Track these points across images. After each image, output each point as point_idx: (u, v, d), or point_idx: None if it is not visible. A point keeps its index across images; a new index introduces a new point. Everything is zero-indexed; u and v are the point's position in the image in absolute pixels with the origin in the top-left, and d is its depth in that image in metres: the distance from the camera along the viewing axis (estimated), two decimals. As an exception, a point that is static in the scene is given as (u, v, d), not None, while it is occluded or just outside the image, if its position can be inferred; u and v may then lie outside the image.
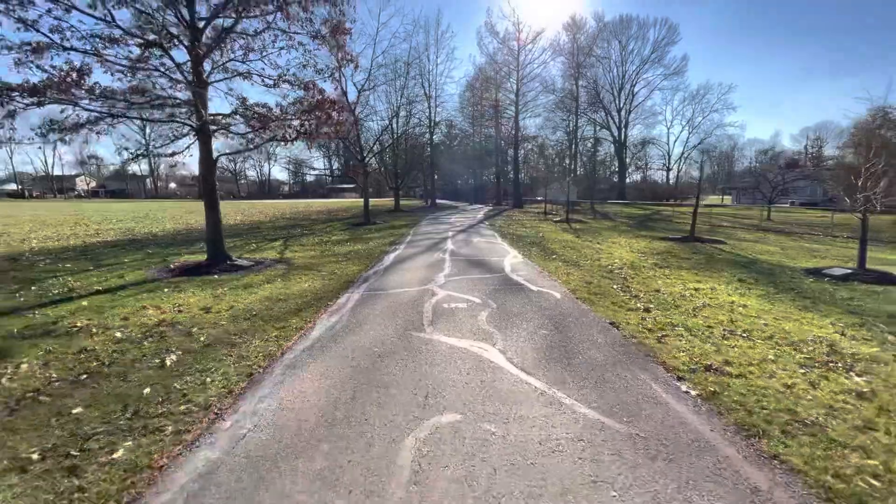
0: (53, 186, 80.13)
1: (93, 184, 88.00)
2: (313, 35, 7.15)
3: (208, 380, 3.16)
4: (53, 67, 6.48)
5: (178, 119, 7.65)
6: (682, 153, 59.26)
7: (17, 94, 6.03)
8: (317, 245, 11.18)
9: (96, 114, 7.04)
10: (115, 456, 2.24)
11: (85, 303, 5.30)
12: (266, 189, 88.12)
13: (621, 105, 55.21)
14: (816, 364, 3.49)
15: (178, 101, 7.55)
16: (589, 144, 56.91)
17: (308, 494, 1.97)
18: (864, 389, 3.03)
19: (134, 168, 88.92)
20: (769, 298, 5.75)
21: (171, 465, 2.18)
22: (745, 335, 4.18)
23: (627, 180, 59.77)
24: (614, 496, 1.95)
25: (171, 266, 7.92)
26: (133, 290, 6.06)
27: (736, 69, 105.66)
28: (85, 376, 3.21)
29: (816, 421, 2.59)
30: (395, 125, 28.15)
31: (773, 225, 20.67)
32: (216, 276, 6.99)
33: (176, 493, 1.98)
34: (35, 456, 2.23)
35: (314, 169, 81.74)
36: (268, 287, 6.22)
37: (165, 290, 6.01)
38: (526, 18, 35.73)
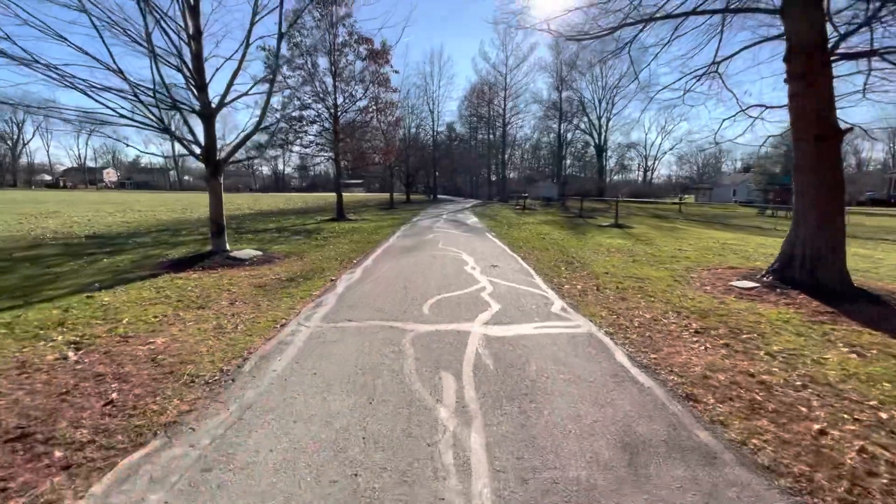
0: (86, 178, 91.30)
1: (116, 176, 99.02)
2: (388, 123, 17.83)
3: (381, 234, 13.81)
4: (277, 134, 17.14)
5: (323, 154, 18.34)
6: (656, 156, 69.87)
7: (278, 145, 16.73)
8: (372, 215, 21.85)
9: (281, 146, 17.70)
10: (379, 236, 12.92)
11: (313, 225, 15.95)
12: (280, 184, 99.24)
13: (601, 113, 65.56)
14: (538, 236, 14.09)
15: (324, 145, 18.25)
16: (578, 146, 67.28)
17: (423, 231, 12.61)
18: (530, 226, 13.70)
19: (158, 162, 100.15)
20: (560, 230, 16.32)
21: (393, 232, 12.87)
22: (527, 231, 14.79)
23: (617, 178, 70.69)
24: (465, 237, 12.60)
25: (319, 220, 18.58)
26: (320, 223, 16.68)
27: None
28: (341, 236, 13.87)
29: (527, 241, 13.22)
30: (408, 138, 38.77)
31: (672, 214, 31.19)
32: (343, 221, 17.63)
33: (394, 237, 12.65)
34: (346, 245, 12.94)
35: (319, 164, 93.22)
36: (371, 224, 16.87)
37: (332, 223, 16.67)
38: (514, 47, 46.11)
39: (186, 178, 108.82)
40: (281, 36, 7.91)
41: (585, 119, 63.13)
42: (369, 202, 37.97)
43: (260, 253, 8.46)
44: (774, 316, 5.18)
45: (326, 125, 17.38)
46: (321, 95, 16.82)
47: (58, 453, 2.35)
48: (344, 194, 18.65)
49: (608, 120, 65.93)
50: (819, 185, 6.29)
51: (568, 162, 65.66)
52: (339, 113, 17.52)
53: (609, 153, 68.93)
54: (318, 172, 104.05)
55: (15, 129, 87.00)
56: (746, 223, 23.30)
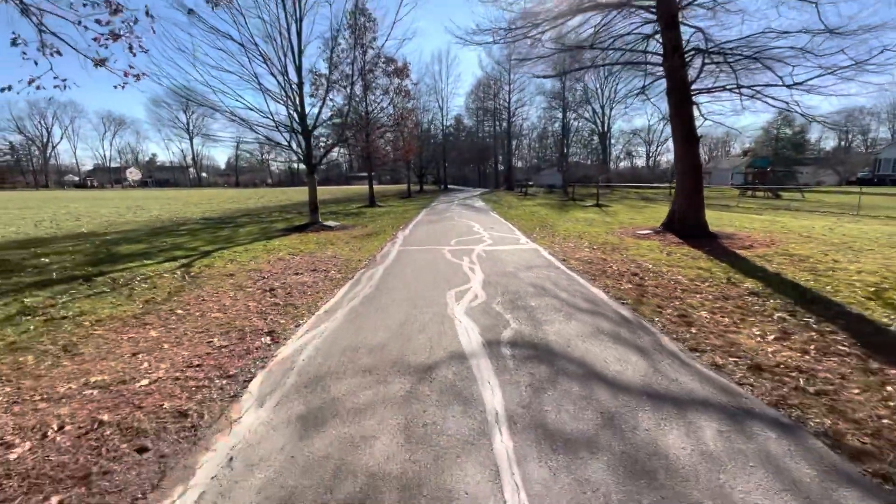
0: (112, 177, 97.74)
1: (139, 175, 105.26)
2: (408, 127, 22.31)
3: (411, 214, 18.37)
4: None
5: (354, 153, 22.91)
6: (658, 141, 73.00)
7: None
8: (396, 202, 26.43)
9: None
10: (409, 215, 17.49)
11: (355, 209, 20.60)
12: (295, 178, 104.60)
13: (604, 101, 68.76)
14: (529, 213, 18.50)
15: (355, 146, 22.84)
16: (584, 134, 70.76)
17: (441, 212, 17.14)
18: (527, 207, 18.14)
19: (177, 160, 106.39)
20: (549, 209, 20.67)
21: (419, 212, 17.44)
22: (522, 210, 19.20)
23: (623, 164, 74.37)
24: (474, 214, 17.09)
25: (356, 206, 23.21)
26: (360, 208, 21.30)
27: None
28: (382, 216, 18.46)
29: (519, 216, 17.68)
30: (420, 134, 43.16)
31: (660, 197, 35.13)
32: (376, 207, 22.23)
33: (421, 214, 17.20)
34: (390, 220, 17.54)
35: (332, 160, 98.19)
36: (399, 208, 21.45)
37: (368, 208, 21.28)
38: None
39: (204, 174, 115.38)
40: (352, 83, 12.42)
41: (589, 108, 66.91)
42: (386, 193, 42.57)
43: (338, 224, 13.07)
44: (645, 244, 9.59)
45: (359, 129, 21.86)
46: (354, 104, 21.28)
47: (332, 271, 6.95)
48: (358, 186, 23.18)
49: (611, 108, 69.65)
50: (686, 171, 10.61)
51: (575, 149, 69.50)
52: (369, 119, 22.01)
53: (613, 140, 72.55)
54: (329, 167, 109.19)
55: (45, 132, 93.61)
56: (718, 202, 27.29)
